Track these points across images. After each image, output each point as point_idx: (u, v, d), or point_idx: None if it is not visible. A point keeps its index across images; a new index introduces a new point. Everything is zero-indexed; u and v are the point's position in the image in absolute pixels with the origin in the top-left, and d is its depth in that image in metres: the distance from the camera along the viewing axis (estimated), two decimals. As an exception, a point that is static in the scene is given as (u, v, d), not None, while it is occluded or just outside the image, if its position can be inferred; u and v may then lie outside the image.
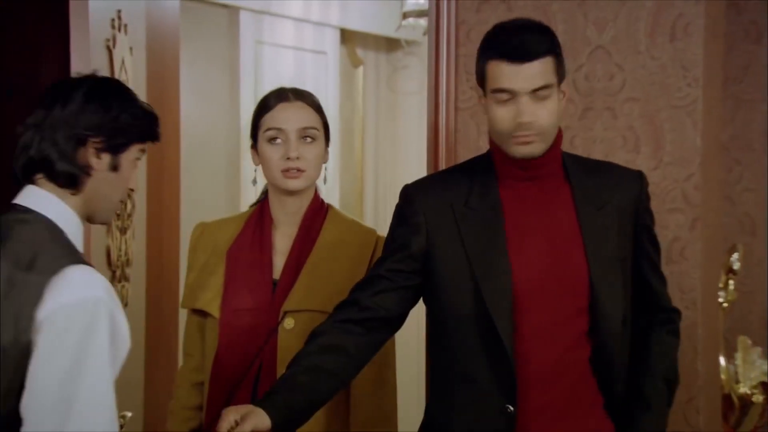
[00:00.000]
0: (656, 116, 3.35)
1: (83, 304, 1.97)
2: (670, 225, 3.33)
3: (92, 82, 2.21)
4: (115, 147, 2.16)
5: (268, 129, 2.73)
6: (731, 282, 3.99)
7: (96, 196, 2.17)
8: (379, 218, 6.91)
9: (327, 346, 2.48)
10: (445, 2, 3.51)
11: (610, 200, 2.54)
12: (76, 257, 2.06)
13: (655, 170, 3.34)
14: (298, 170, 2.71)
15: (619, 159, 3.36)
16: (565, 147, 3.35)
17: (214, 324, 2.72)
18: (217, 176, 5.48)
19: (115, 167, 2.17)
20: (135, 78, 3.74)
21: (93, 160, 2.14)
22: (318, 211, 2.81)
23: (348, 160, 6.73)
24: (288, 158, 2.70)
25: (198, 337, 2.81)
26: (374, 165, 7.06)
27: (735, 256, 3.99)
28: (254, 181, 2.88)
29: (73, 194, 2.14)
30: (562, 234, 2.49)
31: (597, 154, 3.39)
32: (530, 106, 2.41)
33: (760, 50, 4.59)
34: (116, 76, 3.55)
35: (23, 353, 1.94)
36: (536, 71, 2.41)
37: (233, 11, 5.58)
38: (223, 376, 2.69)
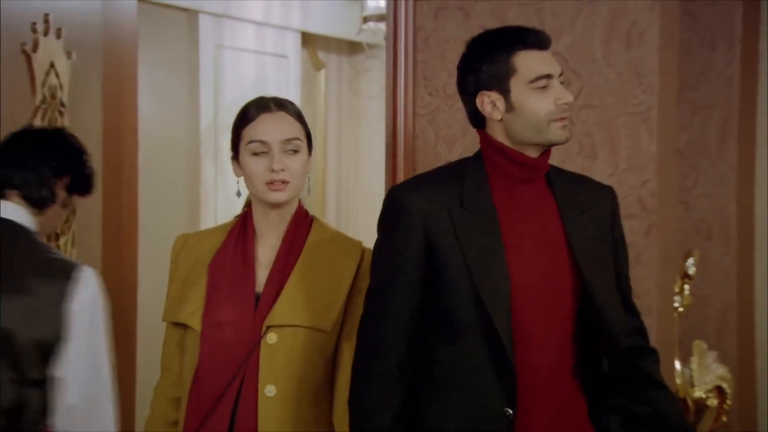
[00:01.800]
0: (612, 123, 3.39)
1: (99, 296, 2.60)
2: (626, 231, 3.33)
3: (68, 134, 2.80)
4: (74, 188, 2.73)
5: (251, 141, 2.65)
6: (687, 287, 4.01)
7: (45, 221, 2.70)
8: (341, 224, 6.91)
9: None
10: (403, 9, 3.53)
11: (589, 207, 2.58)
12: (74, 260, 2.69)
13: (611, 176, 3.37)
14: (283, 182, 2.63)
15: (575, 165, 3.39)
16: (522, 153, 3.40)
17: (195, 338, 2.65)
18: (176, 180, 5.46)
19: (65, 204, 2.73)
20: (79, 81, 3.71)
21: (59, 192, 2.69)
22: (302, 222, 2.74)
23: (309, 163, 6.72)
24: (272, 170, 2.62)
25: (177, 352, 2.74)
26: (336, 169, 7.06)
27: (690, 261, 4.02)
28: (238, 193, 2.76)
29: (36, 215, 2.67)
30: (550, 238, 2.51)
31: (554, 160, 3.36)
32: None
33: (716, 56, 4.62)
34: (40, 81, 3.53)
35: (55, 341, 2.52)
36: (553, 58, 2.53)
37: (193, 15, 5.57)
38: (204, 390, 2.62)
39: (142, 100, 4.27)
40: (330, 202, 6.98)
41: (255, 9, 6.00)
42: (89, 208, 3.75)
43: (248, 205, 2.80)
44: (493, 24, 3.47)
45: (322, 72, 6.85)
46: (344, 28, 6.72)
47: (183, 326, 2.69)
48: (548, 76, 2.47)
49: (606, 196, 2.65)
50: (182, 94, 5.55)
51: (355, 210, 7.11)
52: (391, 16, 3.56)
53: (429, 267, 2.50)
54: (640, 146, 3.36)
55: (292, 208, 2.72)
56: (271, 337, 2.61)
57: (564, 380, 2.51)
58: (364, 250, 2.73)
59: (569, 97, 2.48)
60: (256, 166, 2.64)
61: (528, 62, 2.47)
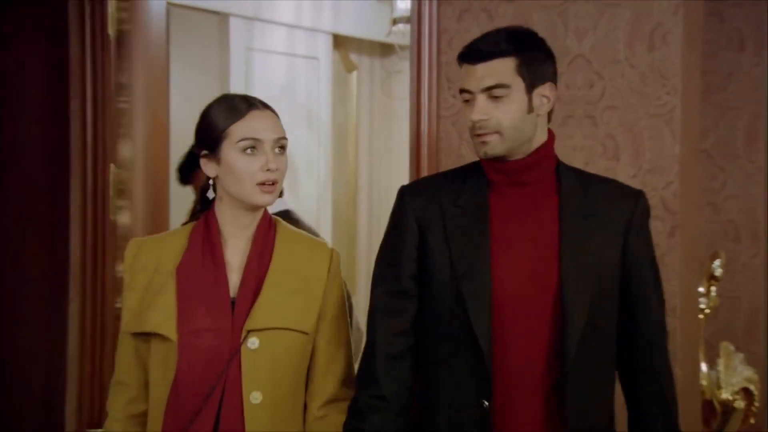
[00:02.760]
0: (635, 124, 3.38)
1: None
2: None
3: None
4: None
5: (244, 139, 2.53)
6: (713, 288, 4.01)
7: None
8: (373, 224, 6.93)
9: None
10: (427, 11, 3.54)
11: (599, 212, 2.56)
12: None
13: (634, 178, 3.37)
14: (273, 183, 2.55)
15: (599, 167, 3.39)
16: (546, 155, 3.41)
17: (165, 348, 2.53)
18: (208, 182, 5.51)
19: None
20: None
21: None
22: (269, 225, 2.66)
23: (341, 165, 6.75)
24: (268, 170, 2.53)
25: (136, 365, 2.61)
26: (368, 170, 7.08)
27: (717, 262, 4.01)
28: (211, 195, 2.65)
29: None
30: (542, 241, 2.53)
31: (577, 162, 3.41)
32: (484, 105, 2.49)
33: (743, 58, 4.61)
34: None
35: None
36: (489, 71, 2.49)
37: (223, 18, 5.61)
38: (183, 402, 2.51)
39: (174, 103, 4.31)
40: (362, 203, 6.99)
41: (285, 11, 6.04)
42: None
43: (202, 207, 2.70)
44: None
45: (354, 74, 6.87)
46: (375, 30, 6.73)
47: (145, 336, 2.57)
48: (468, 92, 2.52)
49: (628, 202, 2.60)
50: (213, 96, 5.58)
51: (387, 212, 7.10)
52: (415, 18, 3.58)
53: (421, 261, 2.58)
54: (663, 148, 3.36)
55: (260, 211, 2.64)
56: (253, 342, 2.53)
57: (549, 380, 2.51)
58: (332, 251, 2.71)
59: (475, 116, 2.50)
60: (249, 165, 2.53)
61: (461, 75, 2.55)
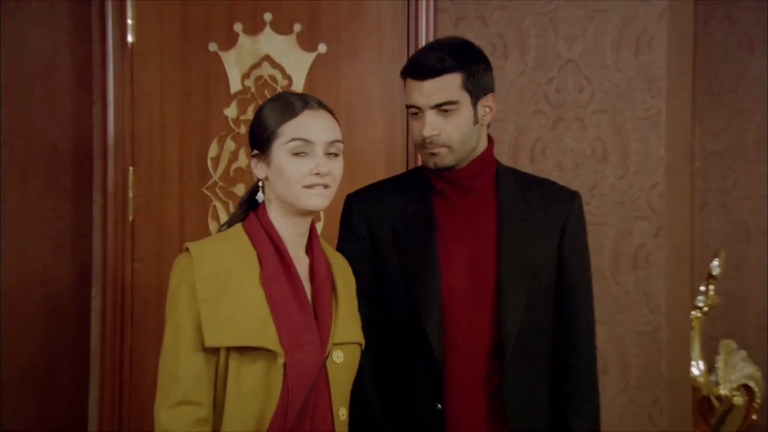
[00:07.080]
0: (622, 127, 3.47)
1: None
2: (636, 232, 3.44)
3: None
4: None
5: (294, 139, 2.35)
6: (711, 287, 4.06)
7: None
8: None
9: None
10: (423, 18, 3.65)
11: (535, 216, 2.62)
12: None
13: (621, 179, 3.46)
14: (325, 187, 2.37)
15: (587, 168, 3.49)
16: (537, 157, 3.52)
17: (264, 362, 2.31)
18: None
19: None
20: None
21: None
22: (316, 233, 2.51)
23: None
24: (317, 174, 2.35)
25: (208, 382, 2.33)
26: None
27: (715, 262, 4.06)
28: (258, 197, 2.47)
29: None
30: (481, 245, 2.60)
31: (567, 164, 3.51)
32: (435, 120, 2.55)
33: (754, 61, 4.64)
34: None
35: None
36: (438, 87, 2.55)
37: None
38: (288, 418, 2.31)
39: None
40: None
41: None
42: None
43: (245, 212, 2.51)
44: (510, 32, 3.60)
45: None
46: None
47: (215, 350, 2.31)
48: (414, 107, 2.58)
49: (562, 205, 2.66)
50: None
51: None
52: (413, 25, 3.68)
53: (375, 269, 2.67)
54: (649, 150, 3.43)
55: (311, 218, 2.47)
56: (338, 356, 2.39)
57: (494, 381, 2.58)
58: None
59: (426, 132, 2.55)
60: (297, 167, 2.35)
61: (407, 89, 2.61)
